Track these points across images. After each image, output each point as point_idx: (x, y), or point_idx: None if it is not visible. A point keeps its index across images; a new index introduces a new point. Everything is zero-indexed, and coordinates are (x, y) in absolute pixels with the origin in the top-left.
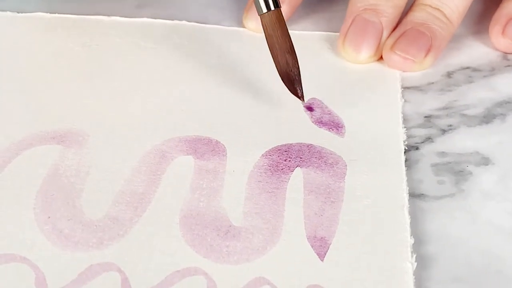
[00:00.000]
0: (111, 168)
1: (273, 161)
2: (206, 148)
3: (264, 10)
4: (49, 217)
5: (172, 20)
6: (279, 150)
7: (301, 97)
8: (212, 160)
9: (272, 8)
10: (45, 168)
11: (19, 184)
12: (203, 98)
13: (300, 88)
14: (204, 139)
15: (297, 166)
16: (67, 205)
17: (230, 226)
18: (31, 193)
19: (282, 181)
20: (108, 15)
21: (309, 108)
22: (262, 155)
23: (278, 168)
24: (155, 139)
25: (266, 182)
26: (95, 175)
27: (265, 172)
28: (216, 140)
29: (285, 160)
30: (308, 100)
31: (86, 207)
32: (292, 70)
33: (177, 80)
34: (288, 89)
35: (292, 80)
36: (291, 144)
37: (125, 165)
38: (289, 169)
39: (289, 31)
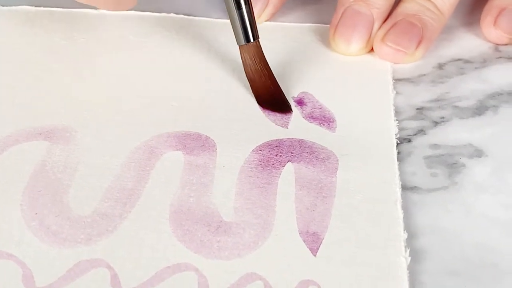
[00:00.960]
0: (100, 164)
1: (264, 156)
2: (195, 143)
3: (243, 42)
4: (36, 214)
5: (160, 13)
6: (270, 145)
7: (288, 111)
8: (202, 156)
9: (252, 40)
10: (32, 165)
11: (5, 181)
12: (192, 92)
13: (286, 106)
14: (193, 134)
15: (288, 161)
16: (55, 201)
17: (221, 221)
18: (18, 189)
19: (273, 176)
20: (95, 9)
21: (300, 103)
22: (253, 150)
23: (269, 163)
24: (144, 135)
25: (257, 177)
26: (83, 171)
27: (256, 168)
28: (206, 136)
29: (276, 155)
30: (299, 94)
31: (74, 203)
32: (275, 93)
33: (165, 74)
34: (274, 111)
35: (276, 102)
36: (282, 139)
37: (113, 161)
38: (280, 164)
39: (279, 23)
